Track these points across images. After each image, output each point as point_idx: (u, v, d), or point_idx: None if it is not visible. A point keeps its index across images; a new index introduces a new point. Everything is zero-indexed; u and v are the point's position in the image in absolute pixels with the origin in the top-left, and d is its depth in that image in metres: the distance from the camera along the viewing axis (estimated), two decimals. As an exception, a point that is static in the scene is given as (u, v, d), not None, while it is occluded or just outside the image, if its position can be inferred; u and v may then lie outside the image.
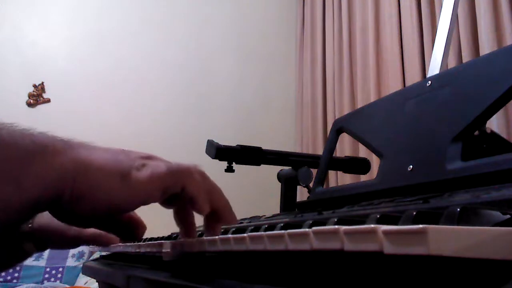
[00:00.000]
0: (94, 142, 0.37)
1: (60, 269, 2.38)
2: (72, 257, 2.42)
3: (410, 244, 0.17)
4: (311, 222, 0.28)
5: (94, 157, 0.35)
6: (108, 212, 0.35)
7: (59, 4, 2.92)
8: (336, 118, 1.12)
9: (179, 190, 0.37)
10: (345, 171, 1.11)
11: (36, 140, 0.33)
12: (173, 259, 0.39)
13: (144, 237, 0.60)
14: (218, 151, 0.95)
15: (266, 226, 0.34)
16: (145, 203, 0.37)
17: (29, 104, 2.77)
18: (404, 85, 2.27)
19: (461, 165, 0.54)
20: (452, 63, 1.98)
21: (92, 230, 0.62)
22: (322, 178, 0.85)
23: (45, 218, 0.62)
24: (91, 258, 2.13)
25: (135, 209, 0.38)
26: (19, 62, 2.78)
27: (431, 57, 0.81)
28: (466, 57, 1.96)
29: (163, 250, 0.41)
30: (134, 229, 0.43)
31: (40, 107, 2.79)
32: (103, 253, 0.88)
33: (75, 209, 0.34)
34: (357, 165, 1.09)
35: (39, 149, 0.33)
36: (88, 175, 0.33)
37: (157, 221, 1.02)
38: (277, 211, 1.06)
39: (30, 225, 0.61)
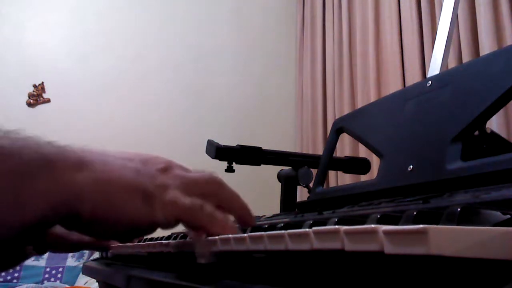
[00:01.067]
0: (105, 147, 0.35)
1: (60, 269, 2.38)
2: (72, 257, 2.42)
3: (411, 244, 0.17)
4: (311, 222, 0.28)
5: (113, 175, 0.32)
6: (129, 231, 0.33)
7: (59, 3, 2.92)
8: (336, 118, 1.12)
9: None
10: (345, 171, 1.11)
11: (42, 151, 0.30)
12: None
13: (144, 237, 0.60)
14: (218, 151, 0.95)
15: (266, 226, 0.34)
16: (161, 228, 0.35)
17: (29, 104, 2.76)
18: (404, 85, 2.27)
19: (461, 165, 0.54)
20: (452, 63, 1.98)
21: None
22: (322, 178, 0.85)
23: None
24: (91, 258, 2.13)
25: (153, 231, 0.36)
26: (19, 62, 2.77)
27: (431, 57, 0.81)
28: (466, 57, 1.96)
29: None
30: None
31: (40, 107, 2.79)
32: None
33: (94, 228, 0.32)
34: (357, 165, 1.09)
35: (45, 162, 0.29)
36: (109, 197, 0.31)
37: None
38: (277, 211, 1.06)
39: None
